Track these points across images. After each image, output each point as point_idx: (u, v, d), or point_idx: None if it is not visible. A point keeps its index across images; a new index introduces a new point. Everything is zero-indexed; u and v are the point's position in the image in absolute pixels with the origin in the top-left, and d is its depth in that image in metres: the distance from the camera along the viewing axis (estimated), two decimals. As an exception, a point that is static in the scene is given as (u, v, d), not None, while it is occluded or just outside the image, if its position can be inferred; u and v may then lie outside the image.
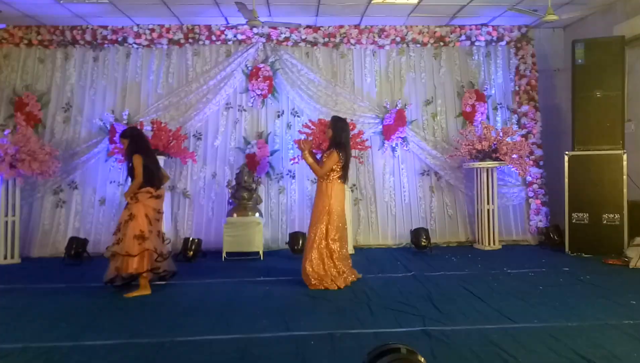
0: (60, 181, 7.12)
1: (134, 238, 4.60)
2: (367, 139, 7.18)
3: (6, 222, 6.40)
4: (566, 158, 6.43)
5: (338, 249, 4.88)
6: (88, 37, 7.21)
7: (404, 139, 7.48)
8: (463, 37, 7.53)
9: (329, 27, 7.40)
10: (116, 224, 4.92)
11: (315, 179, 7.28)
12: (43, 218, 7.06)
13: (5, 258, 6.39)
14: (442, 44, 7.60)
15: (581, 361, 2.86)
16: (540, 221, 7.33)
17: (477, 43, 7.61)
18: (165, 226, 6.55)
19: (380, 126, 7.47)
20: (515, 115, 7.57)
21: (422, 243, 6.70)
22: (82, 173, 7.20)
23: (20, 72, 7.30)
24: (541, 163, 7.41)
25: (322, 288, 4.72)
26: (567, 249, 6.39)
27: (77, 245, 6.44)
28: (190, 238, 6.56)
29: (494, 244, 6.92)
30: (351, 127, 6.76)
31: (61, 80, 7.34)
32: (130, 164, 4.79)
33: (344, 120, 5.23)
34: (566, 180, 6.43)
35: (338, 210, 4.93)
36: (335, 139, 4.97)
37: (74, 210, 7.11)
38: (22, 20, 6.96)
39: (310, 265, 4.82)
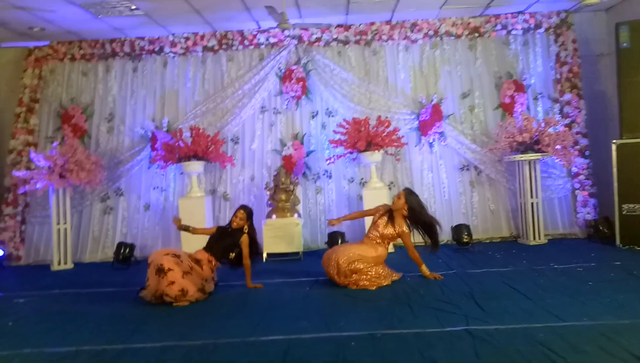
0: (107, 189, 7.40)
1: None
2: (403, 136, 7.09)
3: (58, 230, 6.71)
4: (614, 147, 6.17)
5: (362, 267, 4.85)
6: (127, 48, 7.47)
7: (441, 134, 7.36)
8: (499, 27, 7.33)
9: (360, 24, 7.37)
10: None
11: (352, 178, 7.36)
12: (92, 224, 7.36)
13: (59, 264, 6.70)
14: (477, 35, 7.42)
15: (635, 361, 2.73)
16: (589, 213, 7.04)
17: (513, 32, 7.39)
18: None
19: (417, 122, 7.38)
20: (558, 104, 7.30)
21: (464, 240, 6.55)
22: (126, 180, 7.46)
23: (65, 86, 7.64)
24: (587, 152, 7.11)
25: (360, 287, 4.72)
26: (618, 242, 6.12)
27: (124, 249, 6.67)
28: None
29: (539, 238, 6.71)
30: (386, 125, 6.75)
31: (103, 92, 7.63)
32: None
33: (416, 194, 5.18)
34: (614, 170, 6.16)
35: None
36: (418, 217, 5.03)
37: (120, 216, 7.37)
38: (65, 36, 7.28)
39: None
